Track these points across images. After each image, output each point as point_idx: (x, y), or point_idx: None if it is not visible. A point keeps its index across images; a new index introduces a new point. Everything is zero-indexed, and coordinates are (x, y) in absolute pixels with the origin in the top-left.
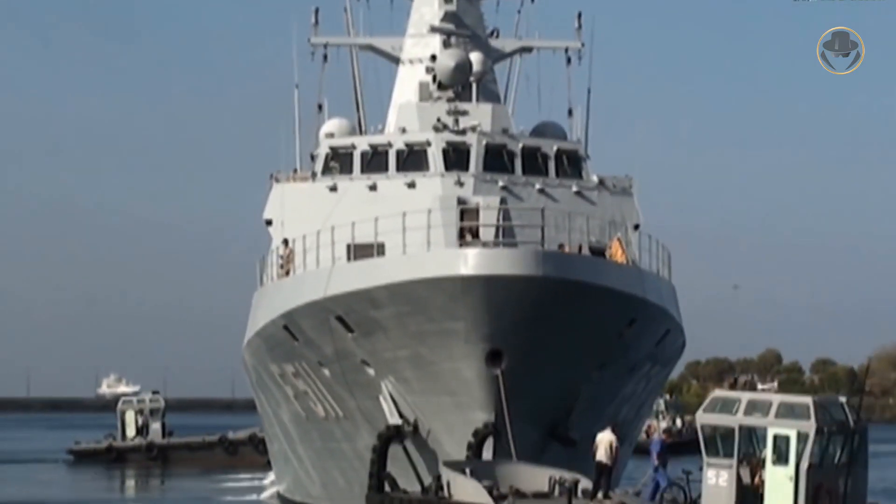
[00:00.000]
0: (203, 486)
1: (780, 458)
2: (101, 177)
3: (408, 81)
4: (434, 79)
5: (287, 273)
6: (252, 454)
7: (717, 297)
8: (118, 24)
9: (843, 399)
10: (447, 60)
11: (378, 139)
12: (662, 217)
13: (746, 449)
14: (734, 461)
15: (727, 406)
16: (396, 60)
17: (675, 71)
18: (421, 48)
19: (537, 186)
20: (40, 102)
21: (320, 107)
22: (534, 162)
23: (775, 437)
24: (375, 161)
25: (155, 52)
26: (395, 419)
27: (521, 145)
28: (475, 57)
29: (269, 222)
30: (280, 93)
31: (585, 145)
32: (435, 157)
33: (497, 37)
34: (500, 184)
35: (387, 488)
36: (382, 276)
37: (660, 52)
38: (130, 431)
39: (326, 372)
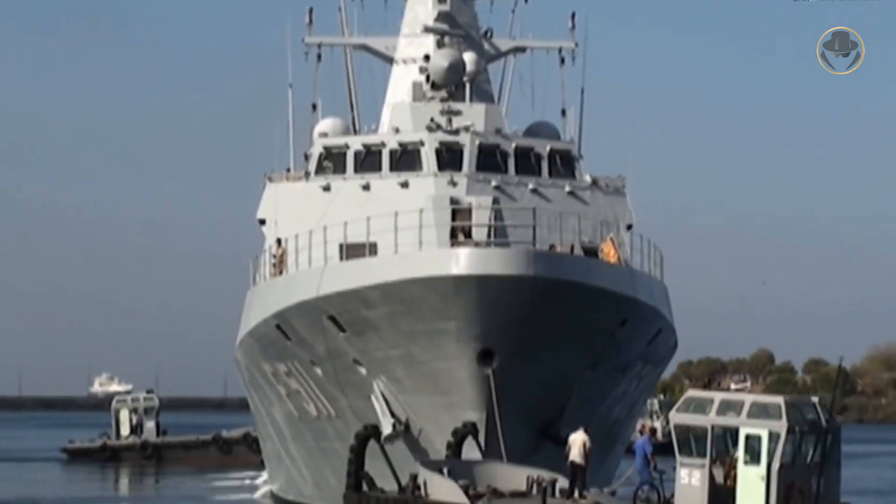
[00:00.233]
0: (197, 484)
1: (753, 457)
2: (95, 176)
3: (401, 81)
4: (428, 79)
5: (280, 272)
6: (246, 453)
7: (710, 297)
8: (111, 24)
9: (815, 399)
10: (441, 60)
11: (371, 139)
12: (655, 217)
13: (720, 449)
14: (707, 461)
15: (700, 406)
16: (390, 60)
17: (669, 71)
18: (415, 48)
19: (530, 186)
20: (31, 100)
21: (314, 106)
22: (527, 162)
23: (747, 437)
24: (369, 161)
25: (149, 51)
26: (386, 418)
27: (514, 145)
28: (469, 57)
29: (262, 222)
30: (274, 92)
31: (579, 145)
32: (428, 156)
33: (491, 37)
34: (493, 184)
35: (364, 487)
36: (374, 276)
37: (654, 52)
38: (125, 430)
39: (319, 371)
